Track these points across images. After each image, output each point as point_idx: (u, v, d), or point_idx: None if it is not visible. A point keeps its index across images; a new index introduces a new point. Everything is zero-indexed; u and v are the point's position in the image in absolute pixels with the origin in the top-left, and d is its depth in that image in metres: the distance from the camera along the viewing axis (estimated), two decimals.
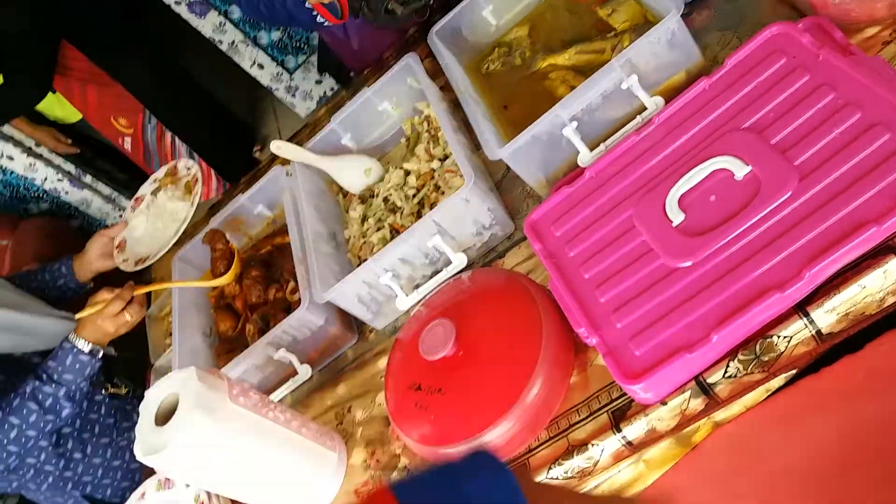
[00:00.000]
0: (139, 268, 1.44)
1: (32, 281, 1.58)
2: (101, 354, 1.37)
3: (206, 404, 0.92)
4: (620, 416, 0.85)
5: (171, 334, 1.49)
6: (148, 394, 0.99)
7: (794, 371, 0.83)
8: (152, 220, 1.50)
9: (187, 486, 1.21)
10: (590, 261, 0.92)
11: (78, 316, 1.34)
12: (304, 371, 1.19)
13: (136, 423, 0.98)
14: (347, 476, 1.08)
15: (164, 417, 0.95)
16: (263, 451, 0.99)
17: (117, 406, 1.61)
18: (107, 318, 1.32)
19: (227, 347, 1.33)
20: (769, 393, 0.85)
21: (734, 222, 0.82)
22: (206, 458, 0.93)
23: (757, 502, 0.87)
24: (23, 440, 1.35)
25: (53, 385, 1.34)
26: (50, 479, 1.49)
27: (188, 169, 1.52)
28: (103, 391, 1.59)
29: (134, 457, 1.59)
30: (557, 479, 0.87)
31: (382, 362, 1.16)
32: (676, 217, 0.87)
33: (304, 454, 1.04)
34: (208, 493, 1.16)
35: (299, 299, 1.20)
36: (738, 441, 0.89)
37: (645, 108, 0.99)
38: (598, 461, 0.86)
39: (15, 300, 1.47)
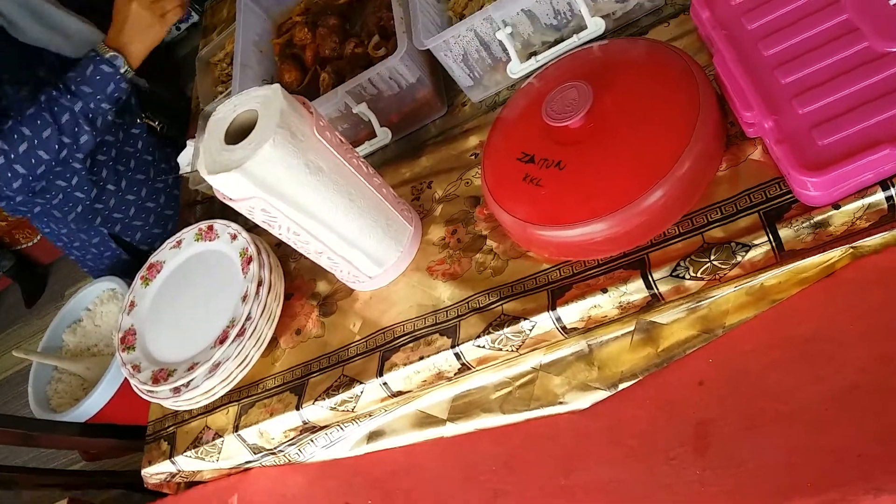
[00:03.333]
0: None
1: None
2: (125, 72, 1.25)
3: (291, 126, 0.82)
4: (776, 216, 0.75)
5: (222, 81, 1.38)
6: (218, 109, 0.89)
7: None
8: None
9: (233, 238, 1.13)
10: (773, 36, 0.79)
11: None
12: (383, 134, 1.08)
13: (173, 167, 0.87)
14: (421, 251, 1.00)
15: (235, 137, 0.85)
16: (341, 199, 0.89)
17: (156, 144, 1.52)
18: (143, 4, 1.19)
19: None
20: None
21: None
22: (279, 187, 0.83)
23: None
24: (32, 161, 1.24)
25: (70, 97, 1.22)
26: (79, 209, 1.41)
27: None
28: (139, 120, 1.48)
29: (170, 202, 1.54)
30: (683, 279, 0.79)
31: (473, 140, 1.05)
32: None
33: (382, 217, 0.95)
34: (257, 247, 1.08)
35: (384, 55, 1.07)
36: (887, 274, 0.80)
37: None
38: (737, 263, 0.77)
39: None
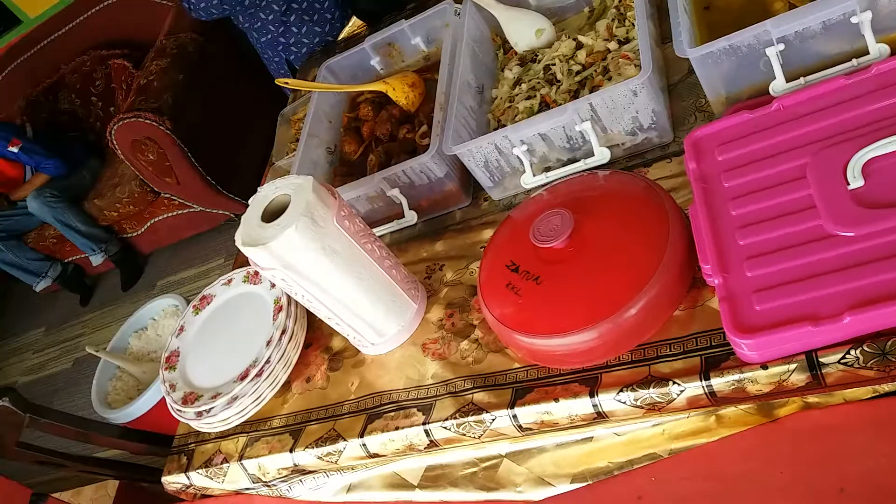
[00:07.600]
0: None
1: None
2: None
3: (313, 215, 0.97)
4: (714, 364, 0.84)
5: (296, 139, 1.56)
6: (262, 189, 1.05)
7: None
8: None
9: (272, 286, 1.30)
10: (743, 198, 0.88)
11: None
12: (411, 216, 1.23)
13: None
14: (421, 328, 1.13)
15: (271, 214, 1.02)
16: (350, 278, 1.04)
17: None
18: None
19: (345, 170, 1.38)
20: (874, 395, 0.82)
21: None
22: (297, 265, 0.99)
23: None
24: None
25: None
26: (269, 36, 2.21)
27: None
28: None
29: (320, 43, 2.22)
30: (624, 403, 0.89)
31: (487, 233, 1.18)
32: (855, 181, 0.81)
33: (387, 294, 1.09)
34: (288, 298, 1.24)
35: (427, 144, 1.22)
36: (824, 431, 0.86)
37: (865, 53, 0.90)
38: (672, 400, 0.86)
39: None
